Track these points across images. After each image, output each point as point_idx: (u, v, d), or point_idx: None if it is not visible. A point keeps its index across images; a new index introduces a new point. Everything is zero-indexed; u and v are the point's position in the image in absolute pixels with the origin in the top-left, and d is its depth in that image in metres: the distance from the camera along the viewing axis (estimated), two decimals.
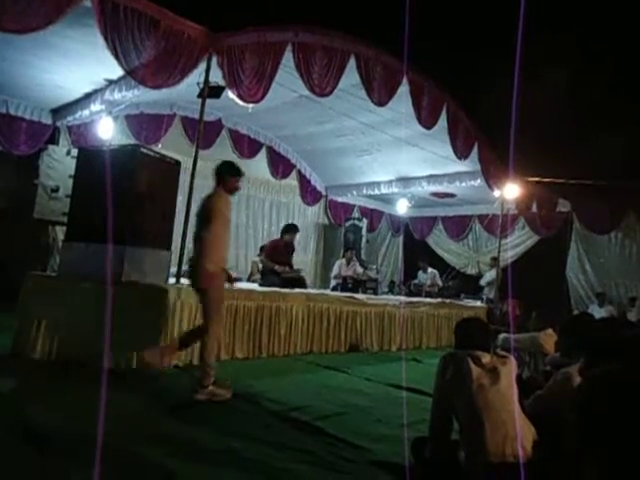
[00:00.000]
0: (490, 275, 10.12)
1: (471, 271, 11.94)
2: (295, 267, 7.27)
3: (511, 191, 8.66)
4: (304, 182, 10.60)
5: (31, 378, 3.85)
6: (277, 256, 6.77)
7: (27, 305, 4.51)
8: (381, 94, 6.22)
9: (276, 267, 6.62)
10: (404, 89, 6.44)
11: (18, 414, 2.87)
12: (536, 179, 9.39)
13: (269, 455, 2.59)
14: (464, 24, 15.54)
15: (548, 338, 4.06)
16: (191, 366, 4.45)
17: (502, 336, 4.68)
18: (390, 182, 10.38)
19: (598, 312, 8.92)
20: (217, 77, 5.12)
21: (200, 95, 5.11)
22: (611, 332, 2.59)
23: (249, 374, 4.56)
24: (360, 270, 8.64)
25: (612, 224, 9.92)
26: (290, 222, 8.90)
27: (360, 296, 6.99)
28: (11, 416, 2.87)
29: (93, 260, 4.34)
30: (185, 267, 4.58)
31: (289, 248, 7.01)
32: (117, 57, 4.61)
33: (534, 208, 9.90)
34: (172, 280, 4.81)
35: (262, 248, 8.19)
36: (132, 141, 7.33)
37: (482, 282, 10.50)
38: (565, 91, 13.54)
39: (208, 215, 3.60)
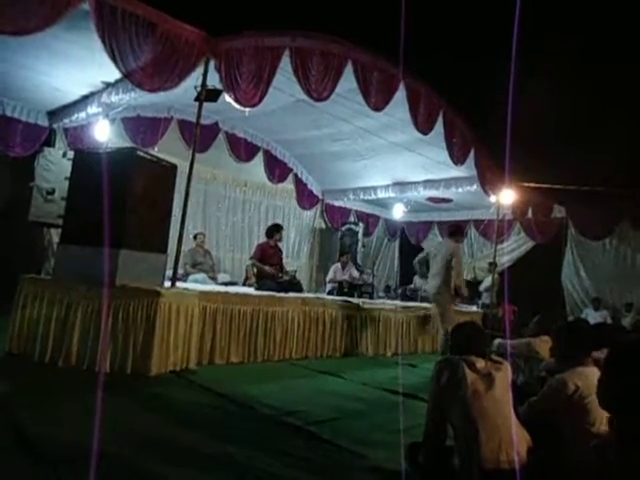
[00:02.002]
0: (488, 280, 10.13)
1: (467, 276, 11.92)
2: (289, 269, 7.27)
3: (507, 196, 8.69)
4: (300, 186, 10.60)
5: (25, 381, 3.82)
6: (267, 259, 6.76)
7: (22, 308, 4.48)
8: (378, 99, 6.24)
9: (267, 268, 6.62)
10: (401, 94, 6.46)
11: (11, 418, 2.84)
12: (532, 185, 9.43)
13: (263, 460, 2.58)
14: (460, 26, 15.62)
15: (543, 344, 4.05)
16: (186, 371, 4.44)
17: (497, 341, 4.68)
18: (386, 187, 10.40)
19: (593, 317, 8.97)
20: (214, 81, 5.12)
21: (197, 99, 5.10)
22: (604, 337, 2.60)
23: (244, 379, 4.55)
24: (356, 274, 8.65)
25: (607, 230, 9.98)
26: (286, 226, 8.95)
27: (356, 300, 6.99)
28: (3, 419, 2.84)
29: (88, 263, 4.32)
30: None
31: (278, 250, 7.02)
32: (114, 60, 4.61)
33: (530, 214, 9.94)
34: (167, 283, 4.80)
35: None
36: (129, 144, 7.31)
37: (481, 288, 10.51)
38: (559, 96, 13.61)
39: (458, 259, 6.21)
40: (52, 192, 6.19)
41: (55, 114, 7.15)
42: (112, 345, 4.09)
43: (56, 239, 6.58)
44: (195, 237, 8.04)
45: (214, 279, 7.55)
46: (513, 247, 11.09)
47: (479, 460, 2.08)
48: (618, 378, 1.57)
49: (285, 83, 5.74)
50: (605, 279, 10.17)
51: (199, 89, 5.08)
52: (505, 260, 10.76)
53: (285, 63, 5.45)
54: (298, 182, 10.53)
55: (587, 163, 11.71)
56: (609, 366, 1.65)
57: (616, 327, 5.49)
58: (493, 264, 9.49)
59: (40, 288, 4.50)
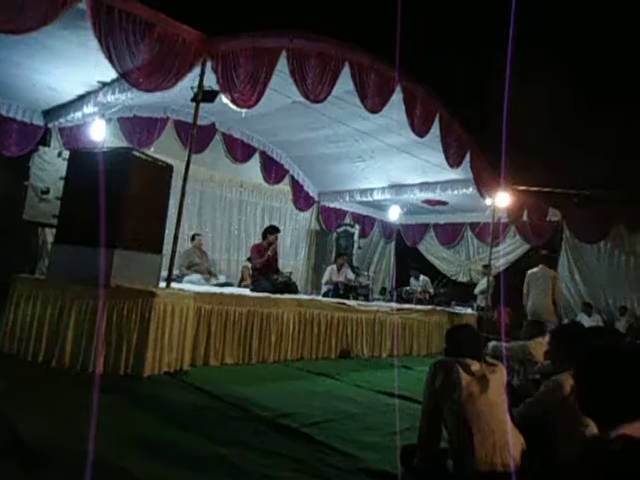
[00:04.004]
0: (483, 283, 10.15)
1: (462, 279, 11.98)
2: (285, 271, 7.27)
3: (502, 199, 8.71)
4: (297, 188, 10.60)
5: (17, 380, 3.80)
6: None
7: (15, 307, 4.46)
8: (374, 101, 6.24)
9: (261, 260, 6.63)
10: (397, 97, 6.47)
11: (4, 418, 2.82)
12: (527, 188, 9.46)
13: (257, 462, 2.57)
14: (455, 28, 15.67)
15: (538, 346, 4.07)
16: (180, 372, 4.42)
17: (492, 344, 4.69)
18: (383, 189, 10.41)
19: (587, 321, 8.99)
20: (211, 81, 5.11)
21: (194, 99, 5.09)
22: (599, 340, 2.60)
23: (239, 380, 4.53)
24: (352, 276, 8.64)
25: (601, 234, 10.00)
26: (282, 227, 8.91)
27: (351, 302, 6.98)
28: None
29: (82, 263, 4.30)
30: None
31: (274, 251, 7.01)
32: (111, 60, 4.59)
33: (525, 217, 9.97)
34: (162, 284, 4.78)
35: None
36: (125, 144, 7.29)
37: (476, 290, 10.54)
38: (555, 100, 13.68)
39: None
40: (47, 191, 6.15)
41: (50, 113, 7.11)
42: (106, 346, 4.07)
43: (50, 239, 6.54)
44: (193, 238, 7.99)
45: (209, 280, 7.51)
46: (508, 250, 11.12)
47: (473, 463, 2.08)
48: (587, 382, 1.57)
49: (282, 85, 5.74)
50: (599, 282, 10.20)
51: (196, 90, 5.07)
52: (501, 263, 10.79)
53: (282, 65, 5.45)
54: (294, 183, 10.53)
55: (582, 166, 11.77)
56: (578, 373, 1.65)
57: (610, 330, 5.50)
58: (488, 267, 9.51)
59: (34, 288, 4.48)
